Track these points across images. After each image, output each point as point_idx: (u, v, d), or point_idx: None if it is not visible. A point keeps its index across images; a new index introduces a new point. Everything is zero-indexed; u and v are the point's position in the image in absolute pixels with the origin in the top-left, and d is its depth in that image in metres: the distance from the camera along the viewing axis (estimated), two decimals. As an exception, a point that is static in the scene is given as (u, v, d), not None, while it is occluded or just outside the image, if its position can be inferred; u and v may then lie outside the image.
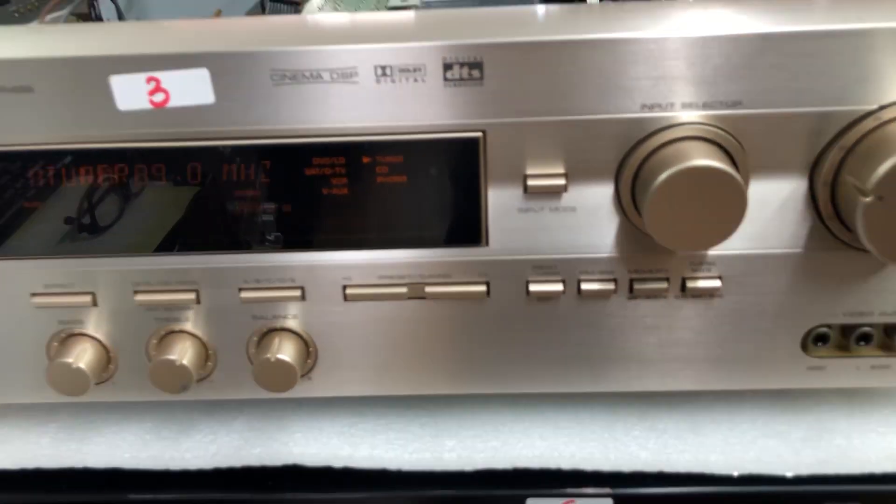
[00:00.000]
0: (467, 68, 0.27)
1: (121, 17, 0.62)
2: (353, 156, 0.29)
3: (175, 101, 0.28)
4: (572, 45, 0.27)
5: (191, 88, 0.28)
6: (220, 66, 0.27)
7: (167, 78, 0.27)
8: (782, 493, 0.32)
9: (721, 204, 0.27)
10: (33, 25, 0.31)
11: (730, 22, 0.27)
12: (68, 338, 0.32)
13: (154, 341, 0.33)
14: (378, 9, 0.38)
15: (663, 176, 0.26)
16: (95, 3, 0.60)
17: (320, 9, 0.38)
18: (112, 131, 0.28)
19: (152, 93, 0.28)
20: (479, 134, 0.28)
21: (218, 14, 0.54)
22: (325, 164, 0.29)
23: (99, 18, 0.60)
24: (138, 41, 0.28)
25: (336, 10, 0.39)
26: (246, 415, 0.36)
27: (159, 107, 0.28)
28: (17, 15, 1.37)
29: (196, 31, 0.29)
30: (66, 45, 0.28)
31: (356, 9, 0.38)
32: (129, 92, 0.28)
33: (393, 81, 0.27)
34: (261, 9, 0.62)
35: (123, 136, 0.28)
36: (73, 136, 0.28)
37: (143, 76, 0.27)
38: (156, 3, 0.68)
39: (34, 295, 0.32)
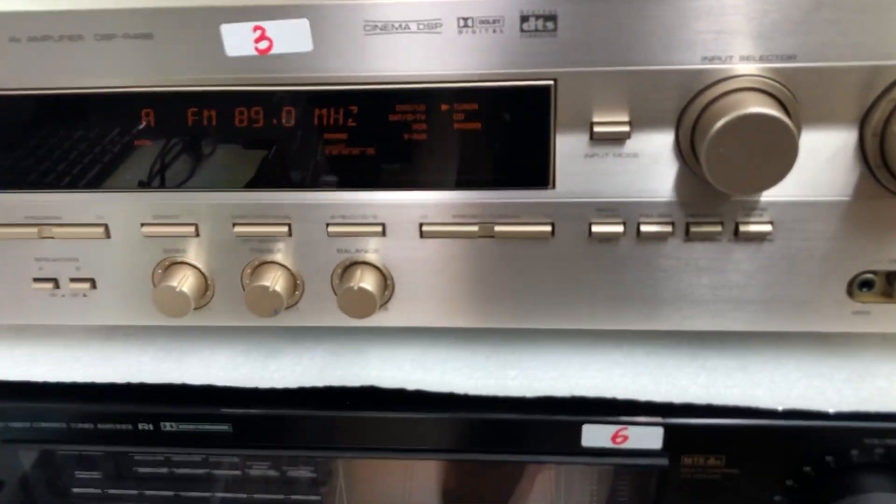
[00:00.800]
0: (542, 20, 0.30)
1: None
2: (433, 103, 0.32)
3: (277, 49, 0.31)
4: (639, 1, 0.29)
5: (291, 37, 0.31)
6: (319, 16, 0.30)
7: (271, 27, 0.31)
8: (824, 428, 0.34)
9: (774, 150, 0.29)
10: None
11: (788, -21, 0.29)
12: (171, 265, 0.36)
13: (248, 270, 0.36)
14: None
15: (721, 122, 0.29)
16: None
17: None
18: (220, 75, 0.32)
19: (258, 40, 0.31)
20: (550, 82, 0.31)
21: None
22: (407, 110, 0.32)
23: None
24: (245, -8, 0.31)
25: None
26: (327, 342, 0.39)
27: (263, 53, 0.31)
28: None
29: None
30: (182, -3, 0.31)
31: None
32: (237, 39, 0.31)
33: (473, 32, 0.30)
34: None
35: (229, 81, 0.32)
36: (185, 79, 0.32)
37: (250, 25, 0.31)
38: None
39: (144, 225, 0.35)
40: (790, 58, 0.30)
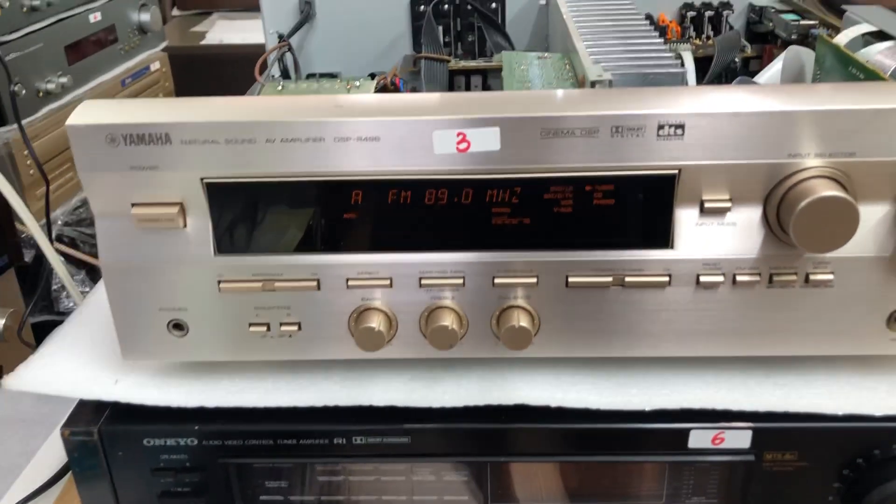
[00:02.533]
0: (674, 128, 0.41)
1: (298, 71, 0.76)
2: (580, 186, 0.43)
3: (473, 148, 0.41)
4: (745, 115, 0.40)
5: (485, 140, 0.41)
6: (508, 125, 0.41)
7: (471, 133, 0.41)
8: (872, 428, 0.45)
9: (842, 220, 0.40)
10: (376, 94, 0.45)
11: (848, 99, 0.41)
12: (365, 310, 0.46)
13: (426, 313, 0.46)
14: (559, 85, 0.52)
15: (805, 202, 0.40)
16: (283, 60, 0.74)
17: (515, 76, 0.51)
18: (429, 167, 0.42)
19: (459, 143, 0.41)
20: (675, 171, 0.42)
21: (395, 70, 0.68)
22: (558, 190, 0.43)
23: (286, 72, 0.75)
24: (451, 108, 0.42)
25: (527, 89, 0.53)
26: (477, 370, 0.49)
27: (462, 152, 0.42)
28: (122, 52, 1.53)
29: (489, 100, 0.43)
30: (404, 110, 0.41)
31: (542, 87, 0.52)
32: (444, 142, 0.41)
33: (622, 137, 0.41)
34: (412, 64, 0.76)
35: (436, 171, 0.42)
36: (400, 170, 0.42)
37: (455, 131, 0.41)
38: (316, 58, 0.83)
39: (349, 279, 0.45)
40: (850, 154, 0.41)
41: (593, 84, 0.47)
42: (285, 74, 0.75)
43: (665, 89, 0.43)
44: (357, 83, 0.63)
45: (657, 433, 0.46)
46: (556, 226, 0.44)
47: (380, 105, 0.42)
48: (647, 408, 0.46)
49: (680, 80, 0.50)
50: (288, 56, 0.76)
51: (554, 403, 0.46)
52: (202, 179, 0.43)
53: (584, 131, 0.41)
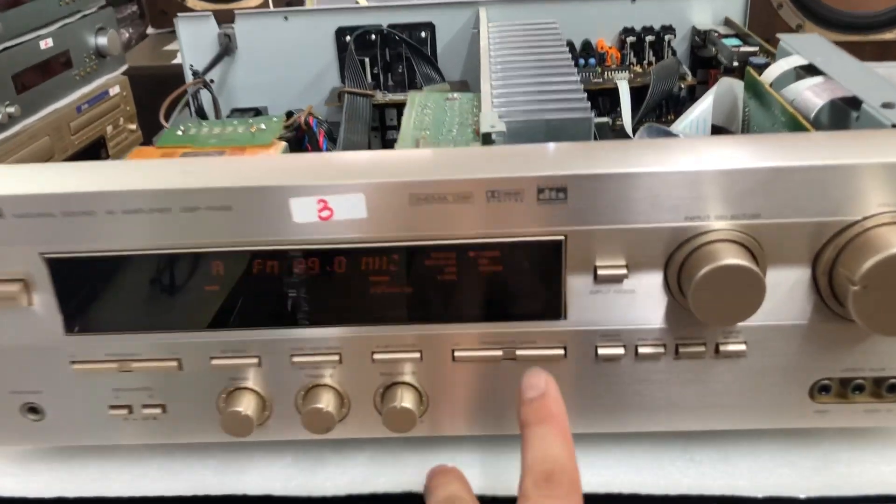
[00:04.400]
0: (555, 191, 0.37)
1: (217, 110, 0.72)
2: (462, 252, 0.38)
3: (337, 216, 0.37)
4: (633, 176, 0.36)
5: (349, 207, 0.37)
6: (373, 191, 0.37)
7: (333, 200, 0.37)
8: (797, 512, 0.41)
9: (746, 290, 0.36)
10: (227, 157, 0.41)
11: (749, 157, 0.36)
12: (235, 391, 0.42)
13: (302, 393, 0.42)
14: (461, 136, 0.48)
15: (702, 272, 0.36)
16: (198, 98, 0.70)
17: (416, 140, 0.47)
18: (286, 237, 0.38)
19: (321, 210, 0.37)
20: (562, 238, 0.38)
21: (310, 109, 0.64)
22: (441, 257, 0.39)
23: (201, 110, 0.71)
24: (311, 172, 0.37)
25: (423, 137, 0.48)
26: (368, 450, 0.45)
27: (325, 220, 0.37)
28: (78, 78, 1.48)
29: (352, 164, 0.39)
30: (256, 176, 0.37)
31: (440, 135, 0.48)
32: (303, 209, 0.37)
33: (499, 201, 0.37)
34: (337, 98, 0.72)
35: (294, 241, 0.38)
36: (256, 240, 0.38)
37: (315, 199, 0.37)
38: (241, 92, 0.79)
39: (213, 358, 0.41)
40: (755, 216, 0.37)
41: (486, 137, 0.43)
42: (201, 113, 0.71)
43: (548, 147, 0.39)
44: (262, 125, 0.59)
45: (559, 519, 0.42)
46: (439, 295, 0.39)
47: (230, 170, 0.38)
48: (551, 492, 0.42)
49: (586, 126, 0.46)
50: (206, 93, 0.72)
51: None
52: (42, 255, 0.38)
53: (456, 197, 0.37)
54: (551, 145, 0.39)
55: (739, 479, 0.42)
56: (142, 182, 0.37)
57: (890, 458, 0.42)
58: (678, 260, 0.37)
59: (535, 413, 0.36)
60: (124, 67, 1.59)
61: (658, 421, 0.42)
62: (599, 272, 0.38)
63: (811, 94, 0.48)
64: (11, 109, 1.29)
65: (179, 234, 0.38)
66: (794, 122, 0.45)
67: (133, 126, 1.19)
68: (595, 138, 0.49)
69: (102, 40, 1.48)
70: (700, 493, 0.41)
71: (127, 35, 1.76)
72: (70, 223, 0.38)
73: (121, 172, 0.39)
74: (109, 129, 1.18)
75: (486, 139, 0.43)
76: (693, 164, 0.36)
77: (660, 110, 0.70)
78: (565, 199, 0.37)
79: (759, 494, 0.41)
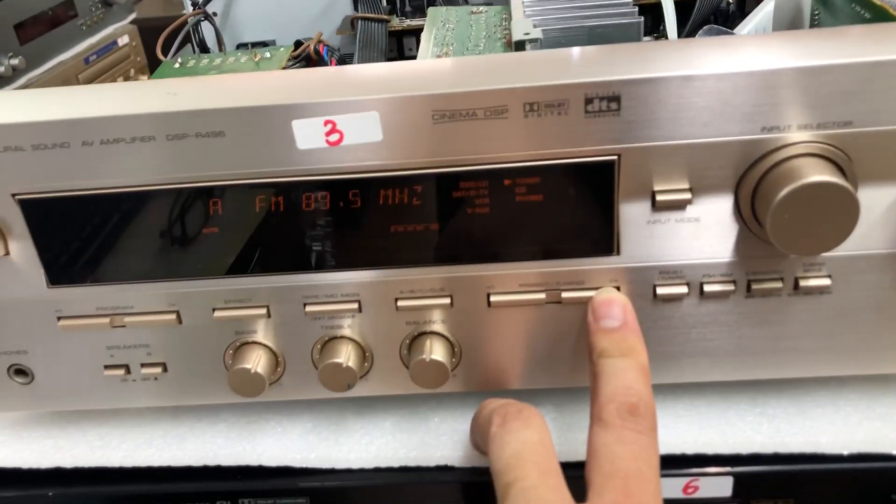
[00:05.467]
0: (606, 101, 0.31)
1: (220, 43, 0.67)
2: (497, 179, 0.33)
3: (348, 140, 0.32)
4: (700, 79, 0.30)
5: (362, 129, 0.32)
6: (389, 108, 0.31)
7: (343, 121, 0.31)
8: (890, 469, 0.35)
9: (836, 213, 0.30)
10: (218, 77, 0.35)
11: (841, 51, 0.30)
12: (243, 346, 0.37)
13: (318, 346, 0.37)
14: (489, 50, 0.42)
15: (784, 191, 0.30)
16: (199, 30, 0.65)
17: (438, 57, 0.41)
18: (290, 167, 0.32)
19: (329, 133, 0.32)
20: (614, 158, 0.32)
21: (319, 36, 0.58)
22: (471, 187, 0.33)
23: (203, 44, 0.65)
24: (316, 89, 0.32)
25: (445, 54, 0.42)
26: (395, 411, 0.40)
27: (334, 145, 0.32)
28: (84, 28, 1.43)
29: (364, 77, 0.33)
30: (252, 95, 0.32)
31: (465, 51, 0.42)
32: (308, 133, 0.32)
33: (539, 116, 0.31)
34: (350, 26, 0.66)
35: (300, 172, 0.33)
36: (256, 171, 0.33)
37: (321, 120, 0.31)
38: (249, 24, 0.73)
39: (216, 309, 0.36)
40: (846, 123, 0.31)
41: (519, 45, 0.37)
42: (204, 48, 0.66)
43: (596, 49, 0.33)
44: (267, 54, 0.53)
45: (614, 483, 0.37)
46: (470, 231, 0.34)
47: (221, 90, 0.33)
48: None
49: (635, 32, 0.40)
50: (209, 27, 0.67)
51: (483, 463, 0.37)
52: (14, 196, 0.34)
53: (488, 112, 0.31)
54: (599, 48, 0.33)
55: (820, 435, 0.36)
56: (121, 106, 0.32)
57: None
58: (753, 180, 0.32)
59: (615, 345, 0.32)
60: (132, 16, 1.53)
61: (727, 369, 0.36)
62: (658, 198, 0.32)
63: (895, -10, 0.41)
64: (15, 61, 1.24)
65: (168, 167, 0.33)
66: (884, 17, 0.38)
67: (145, 77, 1.14)
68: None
69: (108, -13, 1.40)
70: (775, 452, 0.36)
71: (139, -14, 1.69)
72: (43, 158, 0.32)
73: (97, 97, 0.33)
74: (120, 80, 1.13)
75: (520, 49, 0.37)
76: (769, 62, 0.30)
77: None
78: (618, 111, 0.31)
79: (845, 451, 0.36)
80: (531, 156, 0.32)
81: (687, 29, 0.59)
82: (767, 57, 0.30)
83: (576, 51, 0.33)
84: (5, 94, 0.34)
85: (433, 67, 0.34)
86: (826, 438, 0.36)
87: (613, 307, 0.34)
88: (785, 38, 0.33)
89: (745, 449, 0.36)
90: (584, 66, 0.31)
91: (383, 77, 0.33)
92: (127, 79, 1.10)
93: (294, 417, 0.40)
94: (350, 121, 0.31)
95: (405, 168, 0.32)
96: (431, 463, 0.37)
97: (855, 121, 0.31)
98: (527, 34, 0.37)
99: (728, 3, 0.64)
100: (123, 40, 1.51)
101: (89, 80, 1.06)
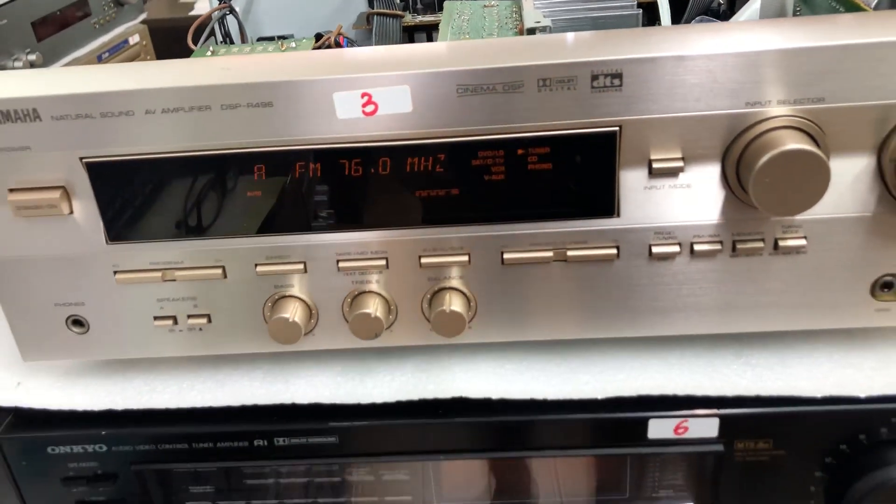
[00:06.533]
0: (610, 78, 0.35)
1: (243, 34, 0.71)
2: (511, 149, 0.37)
3: (382, 111, 0.36)
4: (692, 59, 0.34)
5: (394, 100, 0.36)
6: (418, 82, 0.35)
7: (377, 93, 0.36)
8: (857, 411, 0.40)
9: (810, 178, 0.34)
10: (266, 55, 0.39)
11: (815, 35, 0.35)
12: (281, 299, 0.41)
13: (349, 300, 0.41)
14: (501, 34, 0.46)
15: (765, 157, 0.34)
16: (224, 23, 0.69)
17: (451, 28, 0.46)
18: (331, 135, 0.37)
19: (365, 105, 0.36)
20: (616, 128, 0.36)
21: (339, 29, 0.62)
22: (488, 155, 0.37)
23: (228, 36, 0.69)
24: (355, 65, 0.36)
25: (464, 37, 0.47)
26: (414, 359, 0.44)
27: (369, 115, 0.36)
28: (97, 27, 1.47)
29: (396, 56, 0.37)
30: (298, 70, 0.36)
31: (480, 38, 0.47)
32: (347, 104, 0.36)
33: (551, 90, 0.35)
34: (366, 21, 0.70)
35: (339, 140, 0.37)
36: (300, 139, 0.37)
37: (359, 92, 0.36)
38: (269, 19, 0.77)
39: (258, 265, 0.40)
40: (819, 100, 0.35)
41: (531, 32, 0.41)
42: (228, 40, 0.70)
43: (600, 33, 0.37)
44: (293, 44, 0.57)
45: (613, 424, 0.41)
46: (487, 196, 0.38)
47: (272, 66, 0.37)
48: (601, 396, 0.41)
49: (634, 22, 0.44)
50: (232, 20, 0.71)
51: (496, 395, 0.41)
52: (81, 159, 0.38)
53: (506, 86, 0.35)
54: (604, 32, 0.37)
55: (798, 381, 0.40)
56: (181, 79, 0.36)
57: (954, 356, 0.41)
58: (737, 149, 0.36)
59: None
60: (143, 16, 1.57)
61: (714, 322, 0.41)
62: (654, 165, 0.37)
63: (869, -13, 0.46)
64: (33, 57, 1.29)
65: (221, 134, 0.37)
66: (854, 9, 0.43)
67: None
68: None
69: (120, -13, 1.44)
70: (757, 395, 0.40)
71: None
72: (109, 125, 0.37)
73: (159, 71, 0.38)
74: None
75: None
76: (753, 45, 0.34)
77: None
78: (620, 87, 0.35)
79: (818, 394, 0.40)
80: (543, 126, 0.36)
81: (682, 23, 0.63)
82: (751, 40, 0.35)
83: (583, 34, 0.37)
84: (73, 70, 0.38)
85: (458, 47, 0.39)
86: (802, 384, 0.40)
87: None
88: (767, 24, 0.38)
89: (730, 391, 0.40)
90: (590, 47, 0.35)
91: (414, 55, 0.37)
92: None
93: (324, 364, 0.44)
94: (384, 93, 0.36)
95: (432, 137, 0.37)
96: (447, 395, 0.41)
97: (827, 97, 0.35)
98: (538, 22, 0.41)
99: (719, 3, 0.68)
100: (134, 39, 1.56)
101: (102, 75, 1.09)
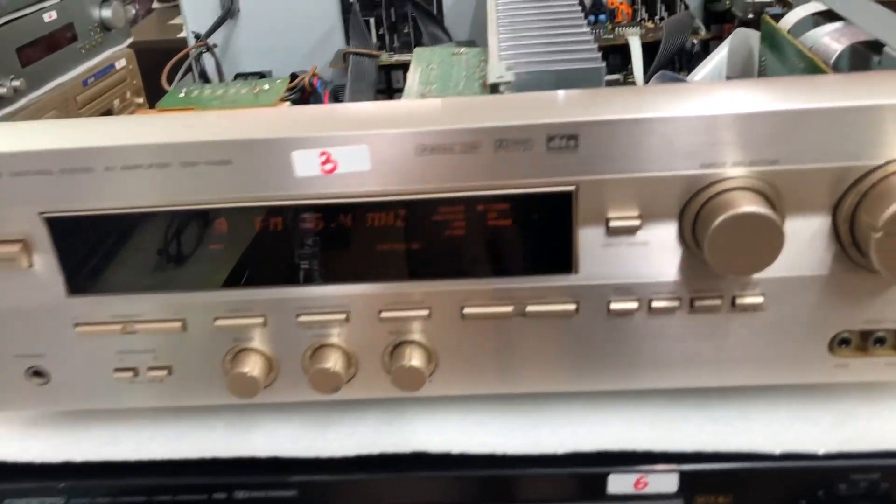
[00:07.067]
0: (565, 139, 0.35)
1: (220, 73, 0.71)
2: (471, 205, 0.37)
3: (341, 169, 0.36)
4: (646, 122, 0.35)
5: (353, 159, 0.36)
6: (377, 142, 0.36)
7: (336, 152, 0.36)
8: (815, 467, 0.40)
9: (764, 240, 0.35)
10: (227, 112, 0.40)
11: (768, 100, 0.35)
12: (241, 352, 0.41)
13: (309, 353, 0.41)
14: (468, 90, 0.46)
15: (719, 220, 0.34)
16: (200, 62, 0.69)
17: (422, 95, 0.46)
18: (289, 192, 0.37)
19: (324, 163, 0.36)
20: (572, 188, 0.36)
21: (314, 70, 0.63)
22: (448, 211, 0.38)
23: (204, 74, 0.69)
24: (313, 124, 0.36)
25: (428, 92, 0.47)
26: (376, 411, 0.44)
27: (328, 174, 0.36)
28: (83, 51, 1.47)
29: (356, 114, 0.38)
30: (257, 128, 0.36)
31: (447, 89, 0.47)
32: (306, 162, 0.36)
33: (507, 151, 0.36)
34: (342, 60, 0.71)
35: (298, 196, 0.37)
36: (258, 196, 0.37)
37: (318, 151, 0.36)
38: (246, 56, 0.77)
39: (217, 318, 0.40)
40: (773, 162, 0.35)
41: (494, 87, 0.41)
42: (205, 77, 0.70)
43: (558, 94, 0.38)
44: (266, 87, 0.57)
45: (572, 478, 0.41)
46: (447, 251, 0.38)
47: (230, 123, 0.37)
48: (561, 451, 0.41)
49: (597, 77, 0.44)
50: (209, 57, 0.71)
51: (456, 450, 0.41)
52: (41, 214, 0.38)
53: (464, 146, 0.36)
54: (561, 92, 0.38)
55: (757, 436, 0.41)
56: (140, 136, 0.36)
57: (912, 413, 0.41)
58: (693, 209, 0.36)
59: None
60: (129, 41, 1.57)
61: (673, 377, 0.41)
62: (612, 224, 0.37)
63: (830, 40, 0.46)
64: (17, 83, 1.28)
65: (180, 191, 0.37)
66: (813, 68, 0.43)
67: (140, 100, 1.18)
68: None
69: (107, 13, 1.46)
70: (716, 450, 0.40)
71: (133, 11, 1.74)
72: (69, 181, 0.37)
73: (119, 127, 0.38)
74: (116, 102, 1.17)
75: (494, 90, 0.41)
76: (708, 109, 0.35)
77: (672, 67, 0.69)
78: (576, 148, 0.35)
79: (777, 450, 0.40)
80: (500, 185, 0.36)
81: (652, 68, 0.64)
82: (706, 103, 0.35)
83: (542, 95, 0.38)
84: (34, 124, 0.38)
85: (417, 106, 0.39)
86: (762, 439, 0.40)
87: None
88: (724, 86, 0.38)
89: (689, 447, 0.40)
90: (547, 108, 0.36)
91: (373, 114, 0.37)
92: (123, 101, 1.14)
93: (285, 416, 0.44)
94: (343, 152, 0.36)
95: (391, 194, 0.37)
96: (407, 450, 0.41)
97: (781, 160, 0.35)
98: (500, 77, 0.41)
99: (693, 45, 0.69)
100: (121, 63, 1.56)
101: (87, 102, 1.10)
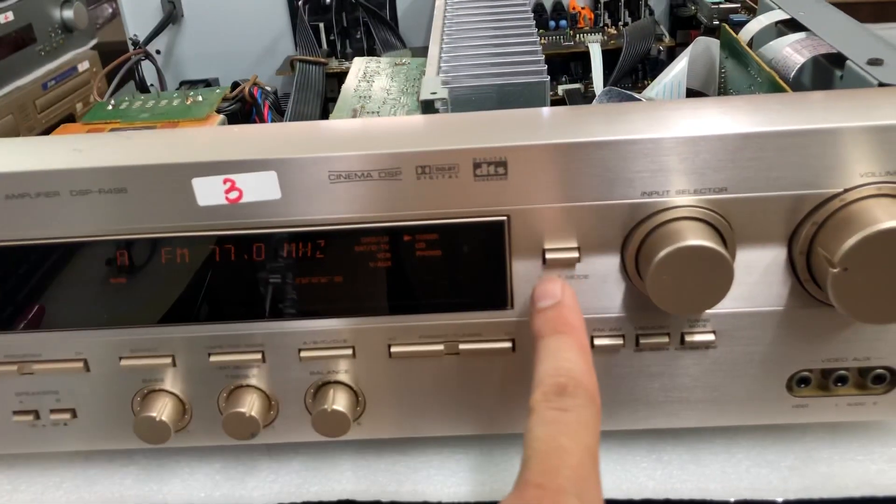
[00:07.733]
0: (493, 166, 0.32)
1: (162, 82, 0.67)
2: (397, 235, 0.34)
3: (247, 198, 0.33)
4: (582, 146, 0.32)
5: (260, 187, 0.33)
6: (286, 168, 0.32)
7: (241, 179, 0.32)
8: (774, 516, 0.37)
9: (712, 275, 0.32)
10: (123, 133, 0.36)
11: (715, 122, 0.32)
12: (150, 393, 0.37)
13: (224, 394, 0.38)
14: (403, 107, 0.43)
15: (661, 254, 0.31)
16: (140, 69, 0.66)
17: (353, 111, 0.43)
18: (192, 222, 0.33)
19: (228, 191, 0.33)
20: (503, 218, 0.33)
21: (255, 79, 0.59)
22: (371, 242, 0.34)
23: (143, 83, 0.66)
24: (216, 148, 0.33)
25: (361, 109, 0.44)
26: (302, 455, 0.40)
27: (233, 203, 0.33)
28: (43, 53, 1.42)
29: (264, 137, 0.34)
30: (152, 153, 0.33)
31: (382, 105, 0.44)
32: (208, 190, 0.33)
33: (431, 178, 0.32)
34: (290, 67, 0.67)
35: (202, 227, 0.34)
36: (159, 226, 0.34)
37: (220, 178, 0.32)
38: (192, 63, 0.74)
39: (122, 358, 0.37)
40: (722, 190, 0.32)
41: (426, 104, 0.38)
42: (143, 87, 0.67)
43: (487, 115, 0.34)
44: (200, 97, 0.54)
45: (512, 529, 0.38)
46: (371, 284, 0.35)
47: (124, 147, 0.34)
48: (499, 497, 0.38)
49: (541, 92, 0.41)
50: (150, 65, 0.67)
51: (386, 497, 0.38)
52: (-80, 246, 0.34)
53: (382, 173, 0.32)
54: (490, 114, 0.34)
55: (711, 482, 0.38)
56: (25, 163, 0.33)
57: (876, 456, 0.38)
58: (636, 241, 0.33)
59: (549, 323, 0.32)
60: (93, 42, 1.52)
61: (621, 419, 0.38)
62: (548, 256, 0.34)
63: (791, 52, 0.43)
64: (-29, 87, 1.23)
65: (72, 222, 0.33)
66: (771, 83, 0.40)
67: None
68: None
69: (68, 14, 1.41)
70: (666, 498, 0.37)
71: (110, 10, 1.70)
72: (-52, 211, 0.33)
73: (4, 152, 0.34)
74: (79, 106, 1.12)
75: (427, 108, 0.38)
76: (650, 132, 0.32)
77: (635, 75, 0.66)
78: (505, 175, 0.32)
79: (732, 498, 0.37)
80: (426, 215, 0.33)
81: (613, 77, 0.61)
82: (644, 126, 0.32)
83: (470, 116, 0.34)
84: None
85: (330, 128, 0.36)
86: (715, 485, 0.37)
87: (550, 285, 0.33)
88: (669, 106, 0.35)
89: (637, 494, 0.37)
90: (473, 131, 0.33)
91: (282, 137, 0.34)
92: (87, 104, 1.10)
93: (204, 459, 0.41)
94: (249, 179, 0.32)
95: (305, 224, 0.33)
96: (333, 498, 0.38)
97: (730, 187, 0.32)
98: (433, 93, 0.38)
99: (658, 52, 0.66)
100: (84, 66, 1.51)
101: (47, 106, 1.05)
